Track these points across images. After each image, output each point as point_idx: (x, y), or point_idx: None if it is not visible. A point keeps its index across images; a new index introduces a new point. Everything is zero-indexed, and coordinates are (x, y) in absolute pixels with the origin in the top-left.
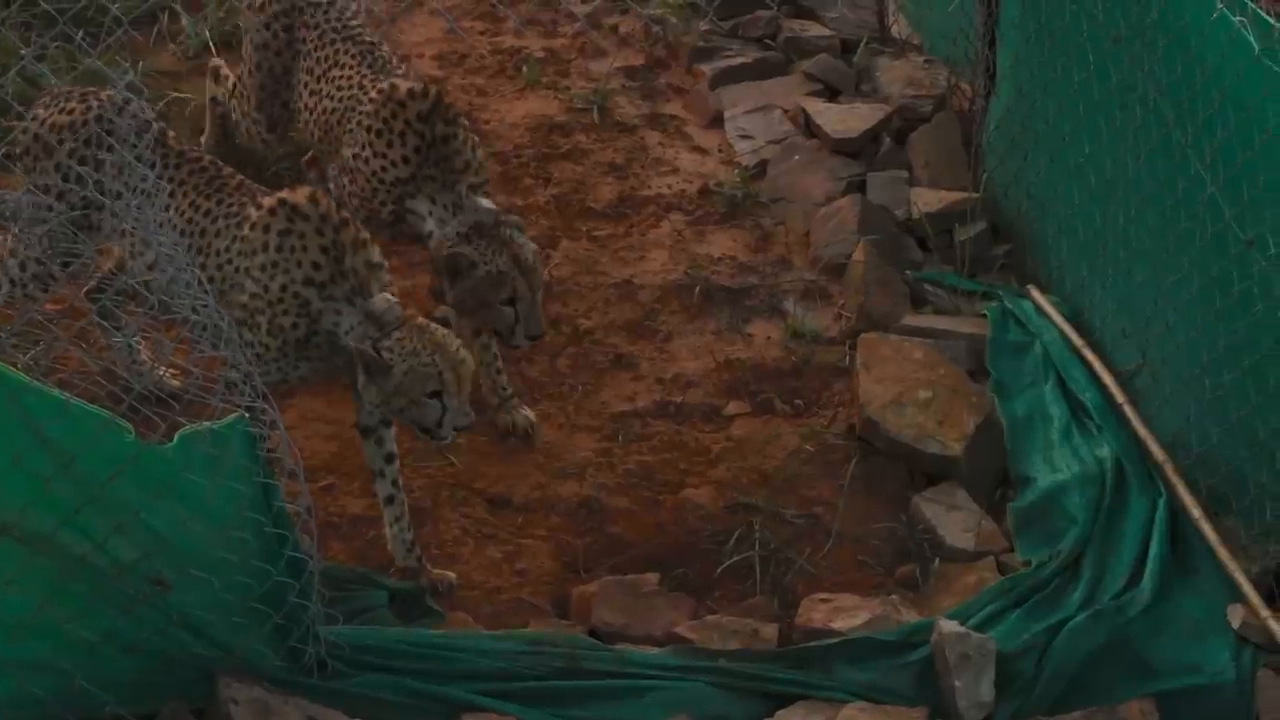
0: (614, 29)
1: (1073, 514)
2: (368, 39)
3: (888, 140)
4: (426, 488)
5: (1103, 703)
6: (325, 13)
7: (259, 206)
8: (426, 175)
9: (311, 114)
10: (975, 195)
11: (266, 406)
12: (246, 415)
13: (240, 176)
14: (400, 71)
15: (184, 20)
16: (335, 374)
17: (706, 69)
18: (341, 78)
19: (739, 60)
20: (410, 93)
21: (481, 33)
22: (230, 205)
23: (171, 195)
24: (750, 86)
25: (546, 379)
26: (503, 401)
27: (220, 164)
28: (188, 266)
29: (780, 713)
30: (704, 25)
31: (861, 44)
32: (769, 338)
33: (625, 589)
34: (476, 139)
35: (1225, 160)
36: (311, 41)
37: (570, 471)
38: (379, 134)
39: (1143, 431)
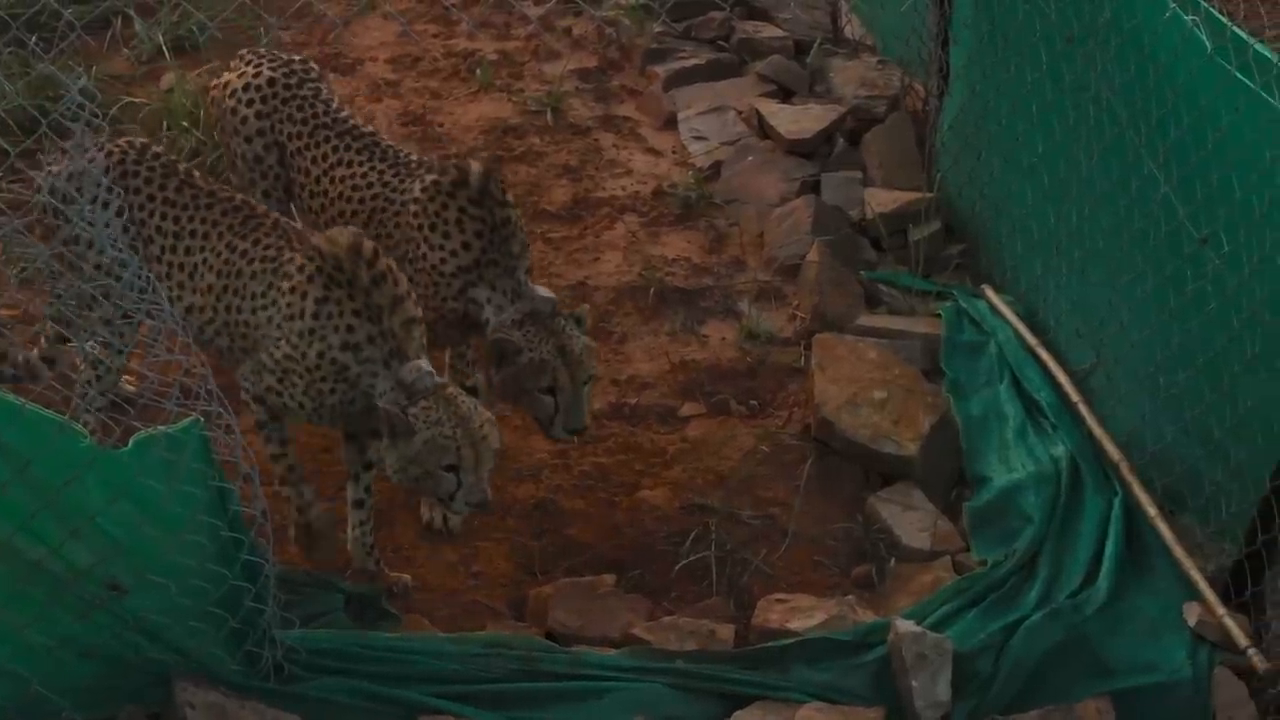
0: (567, 31)
1: (1028, 513)
2: (365, 130)
3: (841, 141)
4: (382, 491)
5: (1060, 701)
6: (312, 105)
7: (301, 269)
8: (489, 260)
9: (320, 217)
10: (929, 195)
11: (222, 411)
12: (202, 420)
13: (275, 215)
14: (415, 158)
15: (137, 25)
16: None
17: (660, 70)
18: (353, 177)
19: (692, 62)
20: (456, 181)
21: (435, 36)
22: (267, 247)
23: (206, 236)
24: (704, 88)
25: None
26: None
27: (253, 203)
28: (142, 272)
29: (738, 713)
30: (657, 27)
31: (815, 45)
32: (724, 339)
33: (581, 591)
34: (522, 220)
35: (1178, 159)
36: (299, 139)
37: (526, 474)
38: (433, 228)
39: (1098, 430)
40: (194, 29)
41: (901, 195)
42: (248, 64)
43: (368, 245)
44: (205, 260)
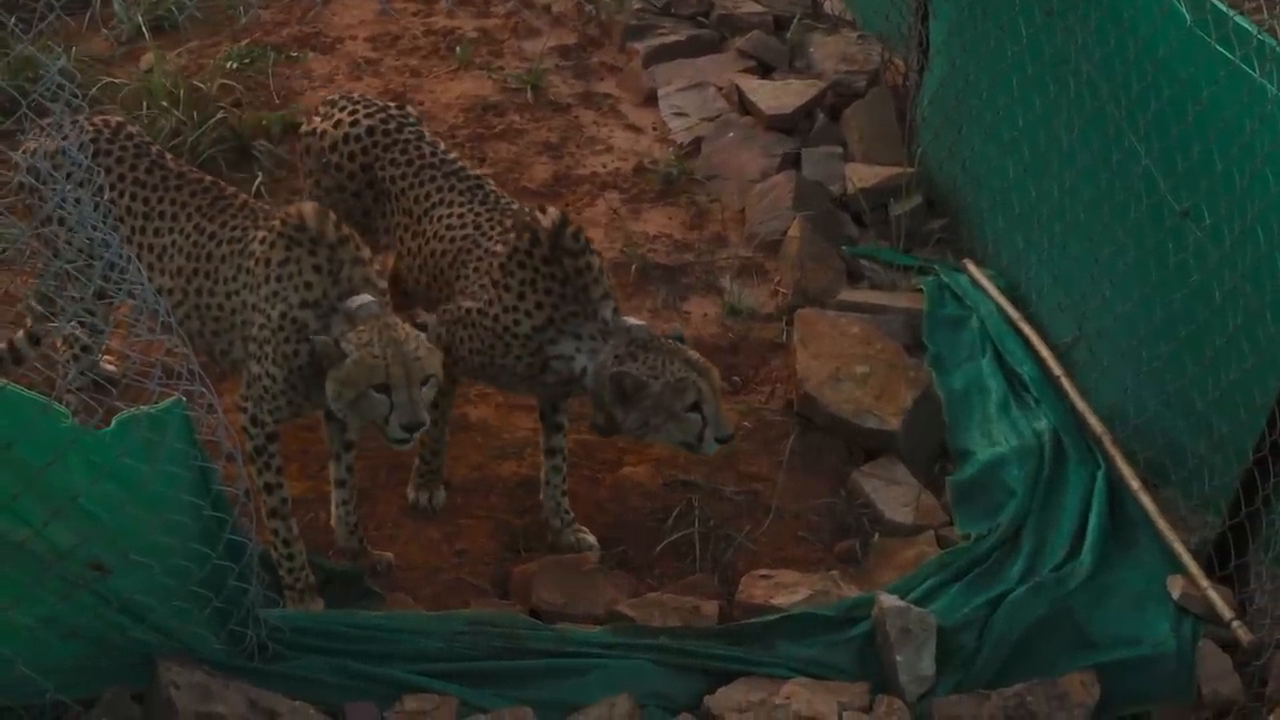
0: (547, 8)
1: (1011, 487)
2: (471, 174)
3: (822, 116)
4: (365, 469)
5: (1044, 675)
6: (417, 147)
7: (261, 241)
8: (568, 313)
9: (415, 258)
10: (910, 170)
11: (204, 390)
12: (184, 399)
13: (244, 196)
14: (514, 206)
15: (116, 6)
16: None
17: (640, 47)
18: (451, 217)
19: (672, 38)
20: (531, 239)
21: (414, 14)
22: (234, 229)
23: (174, 218)
24: (684, 64)
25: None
26: (564, 526)
27: (222, 184)
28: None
29: (722, 689)
30: (637, 4)
31: (794, 20)
32: (706, 315)
33: (565, 568)
34: (604, 266)
35: (1159, 132)
36: (404, 180)
37: (509, 451)
38: (507, 288)
39: (1080, 404)
40: (173, 9)
41: (882, 170)
42: (342, 110)
43: (325, 212)
44: (174, 242)
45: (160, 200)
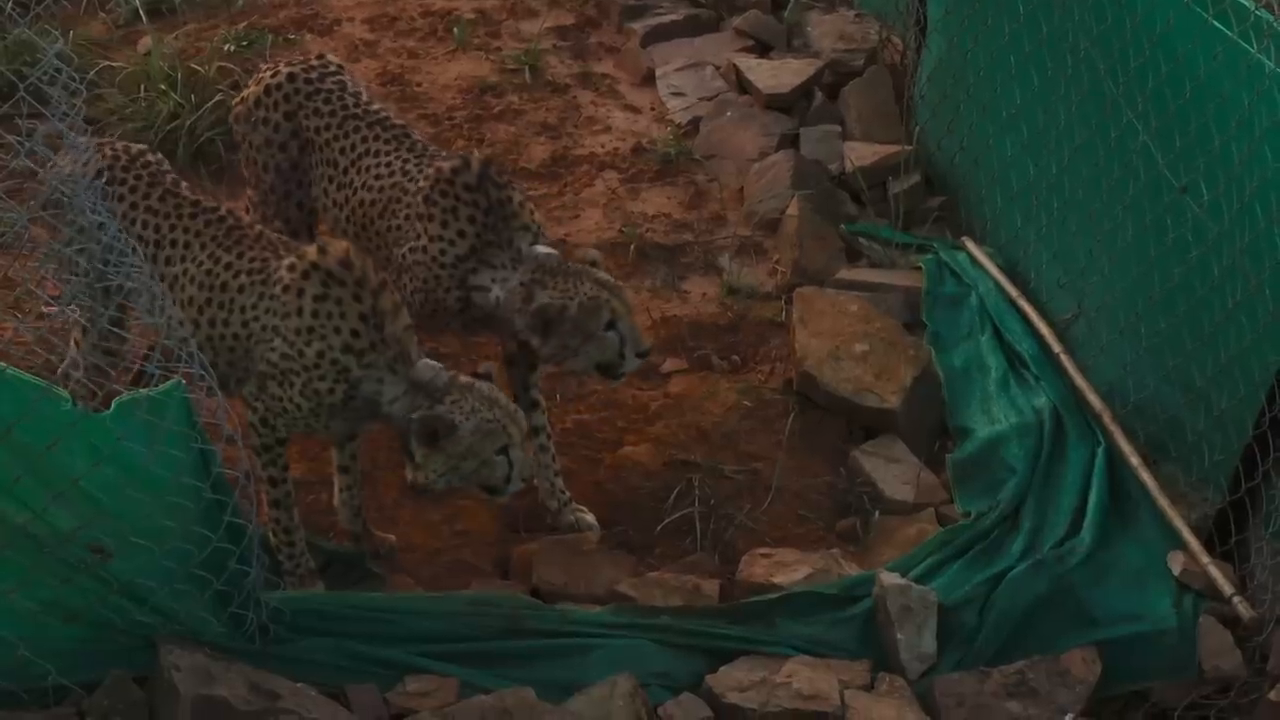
0: None
1: (1012, 464)
2: (397, 123)
3: (820, 95)
4: (365, 451)
5: (1045, 652)
6: (340, 97)
7: (291, 268)
8: (486, 242)
9: (342, 209)
10: (908, 148)
11: (204, 373)
12: (184, 382)
13: (260, 228)
14: (442, 154)
15: None
16: (362, 428)
17: (638, 27)
18: (377, 167)
19: (670, 18)
20: (455, 169)
21: None
22: (252, 260)
23: (187, 247)
24: (681, 44)
25: (482, 339)
26: (562, 506)
27: (238, 214)
28: (120, 237)
29: (723, 668)
30: None
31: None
32: (705, 294)
33: (566, 548)
34: (531, 205)
35: (1157, 108)
36: (329, 130)
37: None
38: (430, 218)
39: (1080, 380)
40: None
41: (880, 149)
42: (264, 71)
43: (359, 259)
44: (186, 271)
45: (173, 229)
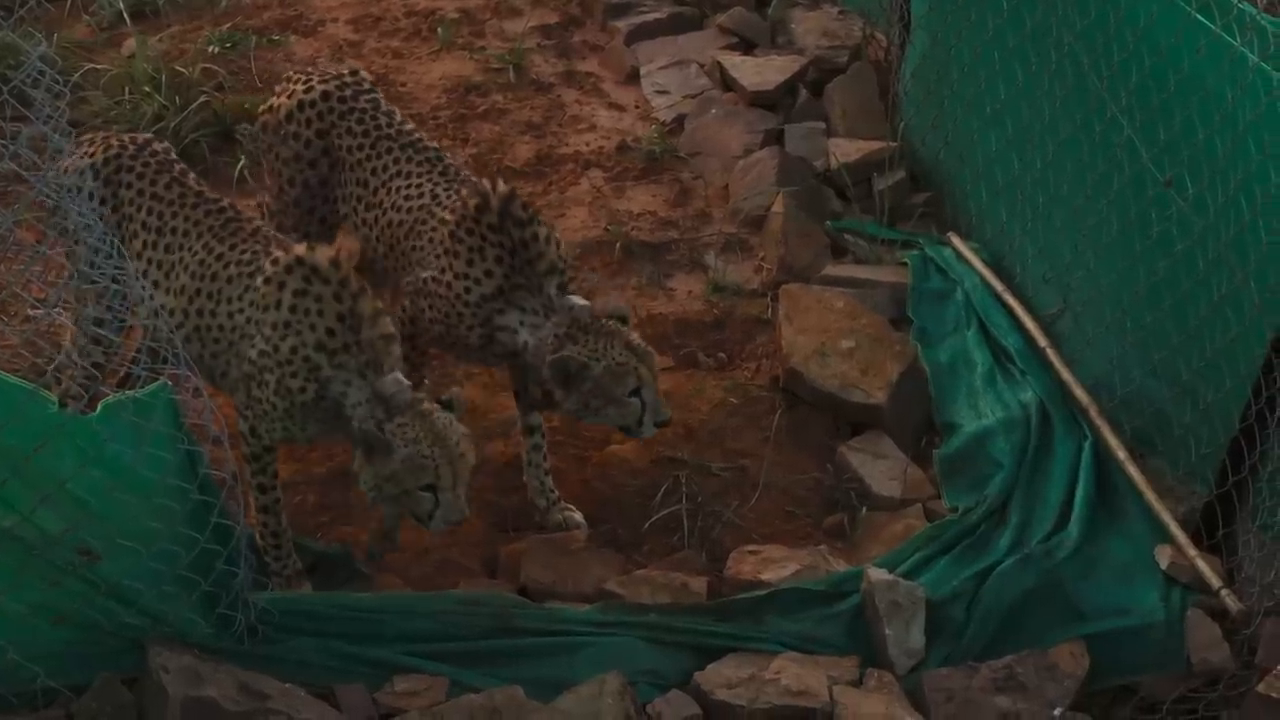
0: None
1: (998, 459)
2: (429, 145)
3: (804, 92)
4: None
5: (1033, 646)
6: (373, 118)
7: (275, 262)
8: (514, 285)
9: (372, 229)
10: (893, 144)
11: (190, 374)
12: (170, 383)
13: (258, 222)
14: (472, 178)
15: None
16: (338, 437)
17: (621, 25)
18: (407, 189)
19: (653, 16)
20: (478, 208)
21: None
22: (244, 252)
23: (186, 235)
24: (665, 42)
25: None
26: (550, 505)
27: (239, 209)
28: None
29: (711, 665)
30: None
31: None
32: (690, 292)
33: (553, 546)
34: (558, 236)
35: (1141, 102)
36: (361, 150)
37: (496, 431)
38: (456, 254)
39: (1066, 375)
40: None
41: (865, 145)
42: (297, 82)
43: (347, 261)
44: (181, 260)
45: (174, 217)
